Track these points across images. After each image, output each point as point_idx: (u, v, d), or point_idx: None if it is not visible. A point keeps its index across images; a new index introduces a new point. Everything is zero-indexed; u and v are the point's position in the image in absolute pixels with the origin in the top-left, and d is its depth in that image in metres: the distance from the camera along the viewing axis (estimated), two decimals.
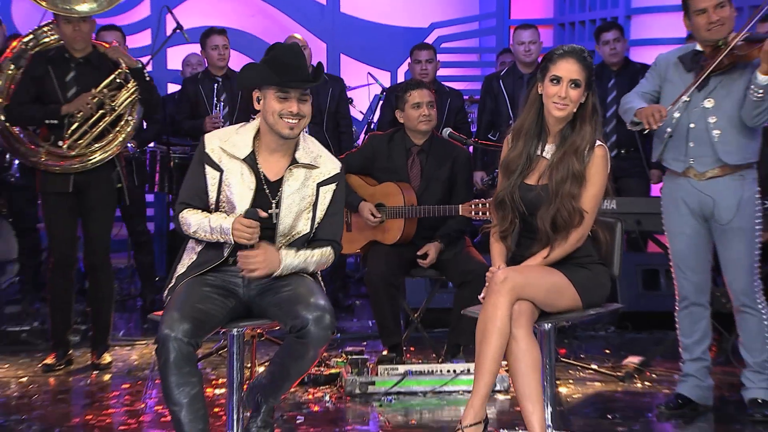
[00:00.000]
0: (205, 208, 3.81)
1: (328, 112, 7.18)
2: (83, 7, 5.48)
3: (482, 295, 3.82)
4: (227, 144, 3.80)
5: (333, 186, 3.87)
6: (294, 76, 3.75)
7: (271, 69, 3.75)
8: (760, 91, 4.31)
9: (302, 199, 3.83)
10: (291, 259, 3.77)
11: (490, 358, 3.68)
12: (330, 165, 3.90)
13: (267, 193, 3.81)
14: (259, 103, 3.81)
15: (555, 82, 3.87)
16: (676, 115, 4.53)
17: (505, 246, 3.96)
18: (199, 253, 3.84)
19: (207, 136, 3.85)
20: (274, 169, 3.83)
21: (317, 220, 3.86)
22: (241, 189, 3.78)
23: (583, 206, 3.85)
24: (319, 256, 3.85)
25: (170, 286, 3.84)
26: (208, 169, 3.79)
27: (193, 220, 3.78)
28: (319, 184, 3.86)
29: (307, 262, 3.82)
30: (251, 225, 3.66)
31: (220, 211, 3.80)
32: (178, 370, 3.54)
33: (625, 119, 4.61)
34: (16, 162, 6.89)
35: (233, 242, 3.71)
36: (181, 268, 3.86)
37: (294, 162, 3.84)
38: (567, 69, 3.87)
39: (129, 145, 7.05)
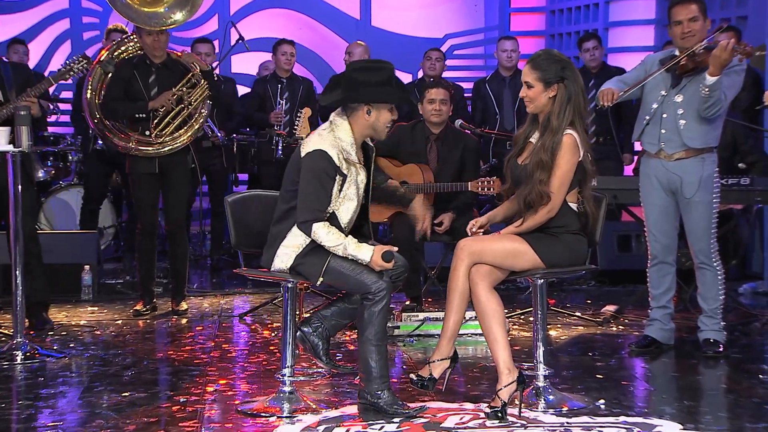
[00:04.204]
0: (326, 209, 3.54)
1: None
2: (178, 17, 5.49)
3: None
4: (344, 153, 3.58)
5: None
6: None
7: (394, 91, 3.63)
8: (706, 89, 4.28)
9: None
10: None
11: (452, 309, 3.63)
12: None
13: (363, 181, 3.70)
14: (369, 115, 3.60)
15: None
16: (654, 106, 4.50)
17: (509, 203, 3.83)
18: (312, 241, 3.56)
19: (326, 150, 3.51)
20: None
21: None
22: (356, 186, 3.62)
23: (551, 187, 3.62)
24: None
25: (291, 265, 3.58)
26: (338, 178, 3.56)
27: (328, 238, 3.49)
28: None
29: None
30: (386, 266, 3.50)
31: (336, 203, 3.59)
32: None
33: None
34: None
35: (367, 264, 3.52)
36: (292, 251, 3.58)
37: (365, 155, 3.73)
38: (523, 73, 3.72)
39: (219, 134, 7.03)
